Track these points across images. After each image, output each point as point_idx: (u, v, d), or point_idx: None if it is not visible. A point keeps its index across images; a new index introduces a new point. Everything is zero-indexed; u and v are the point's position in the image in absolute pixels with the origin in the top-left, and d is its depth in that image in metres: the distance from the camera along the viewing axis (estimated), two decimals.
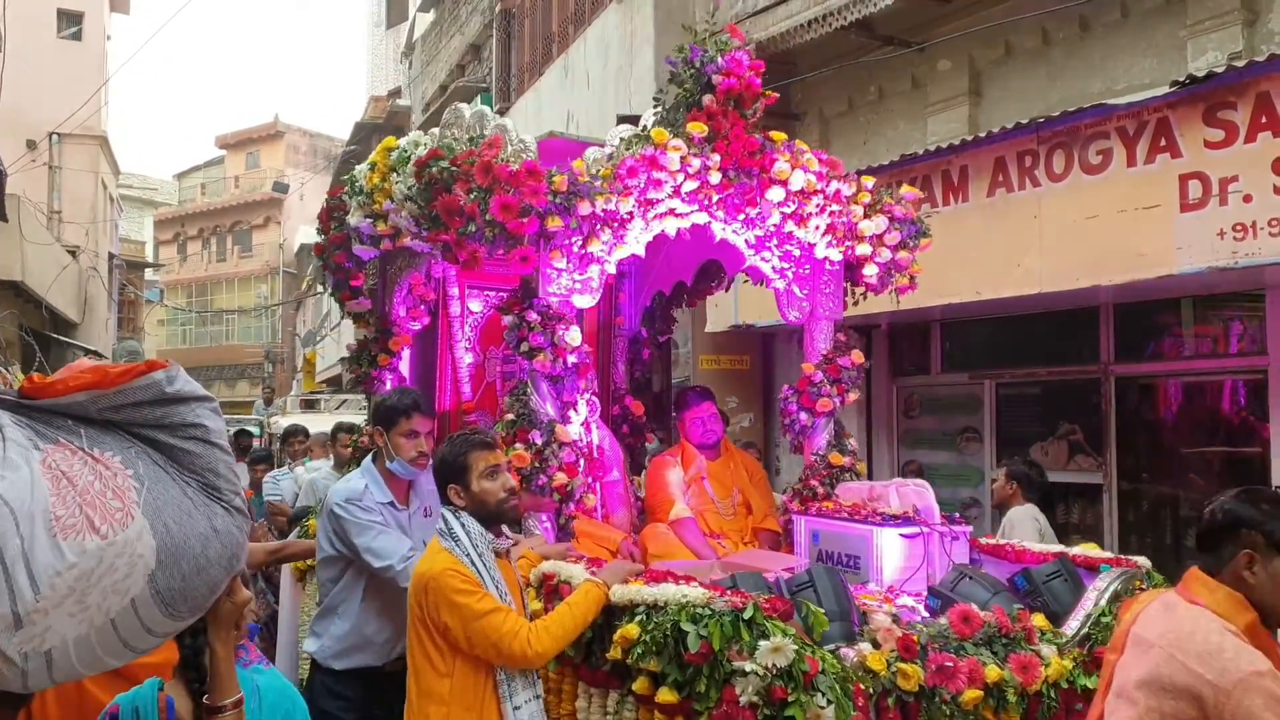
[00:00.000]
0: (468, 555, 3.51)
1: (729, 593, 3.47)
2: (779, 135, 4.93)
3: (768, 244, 5.20)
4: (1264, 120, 6.20)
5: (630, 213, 4.60)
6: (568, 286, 4.70)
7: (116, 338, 30.55)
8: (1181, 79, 6.58)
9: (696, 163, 4.64)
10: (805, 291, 5.34)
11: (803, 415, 5.31)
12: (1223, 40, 7.40)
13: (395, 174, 4.97)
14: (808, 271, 5.34)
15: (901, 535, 4.65)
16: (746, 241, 5.14)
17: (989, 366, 9.63)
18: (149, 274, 42.56)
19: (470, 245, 4.50)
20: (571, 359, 4.64)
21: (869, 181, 5.18)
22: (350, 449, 9.79)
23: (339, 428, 9.77)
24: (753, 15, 10.51)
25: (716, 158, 4.69)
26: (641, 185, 4.56)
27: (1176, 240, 6.65)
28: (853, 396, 5.32)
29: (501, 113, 16.52)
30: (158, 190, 54.54)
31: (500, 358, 6.41)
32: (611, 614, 3.68)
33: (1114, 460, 8.55)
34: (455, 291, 6.20)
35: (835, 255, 5.18)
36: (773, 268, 5.24)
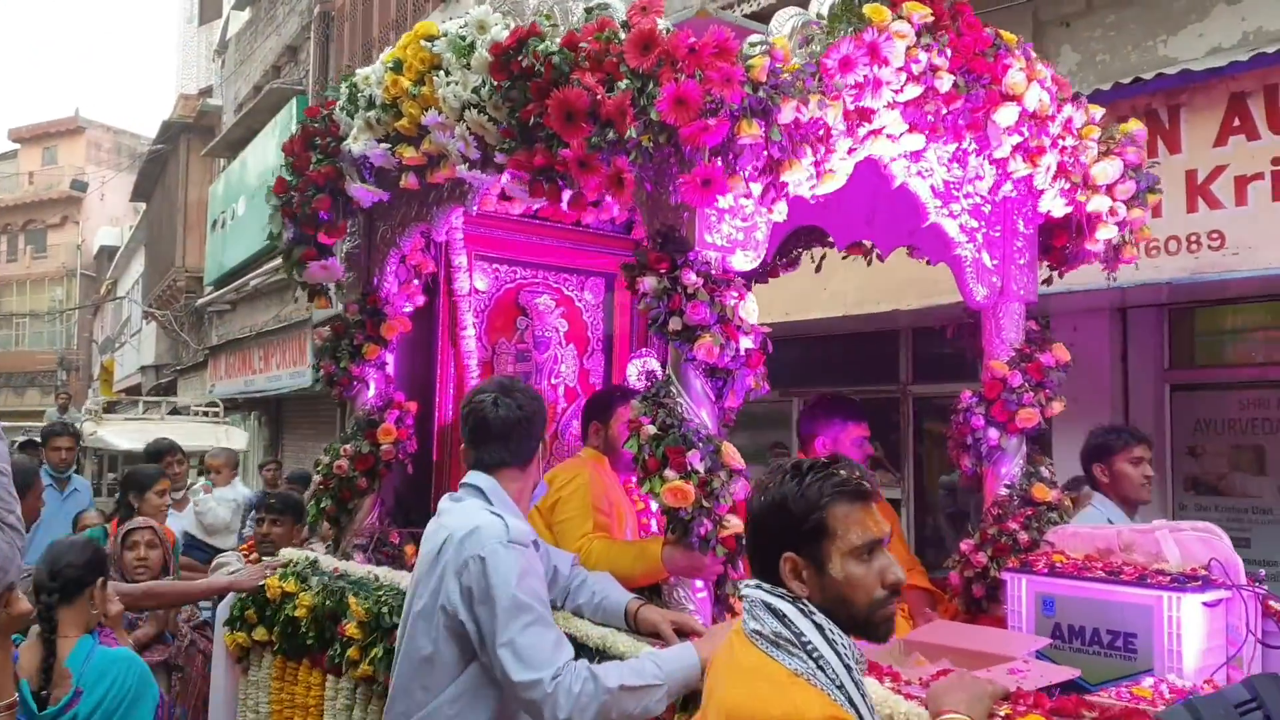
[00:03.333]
0: (839, 687, 1.88)
1: None
2: (1008, 35, 3.41)
3: (957, 193, 3.67)
4: None
5: (830, 127, 3.00)
6: (730, 237, 3.07)
7: None
8: None
9: (923, 58, 3.08)
10: (996, 262, 3.83)
11: (992, 432, 3.78)
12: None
13: (443, 73, 3.26)
14: (999, 235, 3.83)
15: (1205, 604, 3.19)
16: (933, 188, 3.59)
17: (797, 384, 9.59)
18: None
19: (609, 165, 2.82)
20: (746, 343, 2.99)
21: (1097, 112, 3.71)
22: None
23: (158, 450, 7.51)
24: None
25: (947, 55, 3.14)
26: (857, 84, 2.97)
27: None
28: (1056, 407, 3.82)
29: None
30: None
31: (513, 352, 4.69)
32: None
33: (911, 475, 8.80)
34: (462, 262, 4.44)
35: (1060, 208, 3.68)
36: (961, 226, 3.69)
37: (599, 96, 2.79)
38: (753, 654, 1.97)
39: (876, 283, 7.00)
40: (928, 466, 8.81)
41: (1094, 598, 3.31)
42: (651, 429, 2.95)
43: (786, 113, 2.79)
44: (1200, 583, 3.18)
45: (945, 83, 3.12)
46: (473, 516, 2.76)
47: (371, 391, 4.11)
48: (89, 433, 14.57)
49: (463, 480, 2.96)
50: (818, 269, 4.79)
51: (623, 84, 2.75)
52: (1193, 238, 5.80)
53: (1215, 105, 5.81)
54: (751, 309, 2.97)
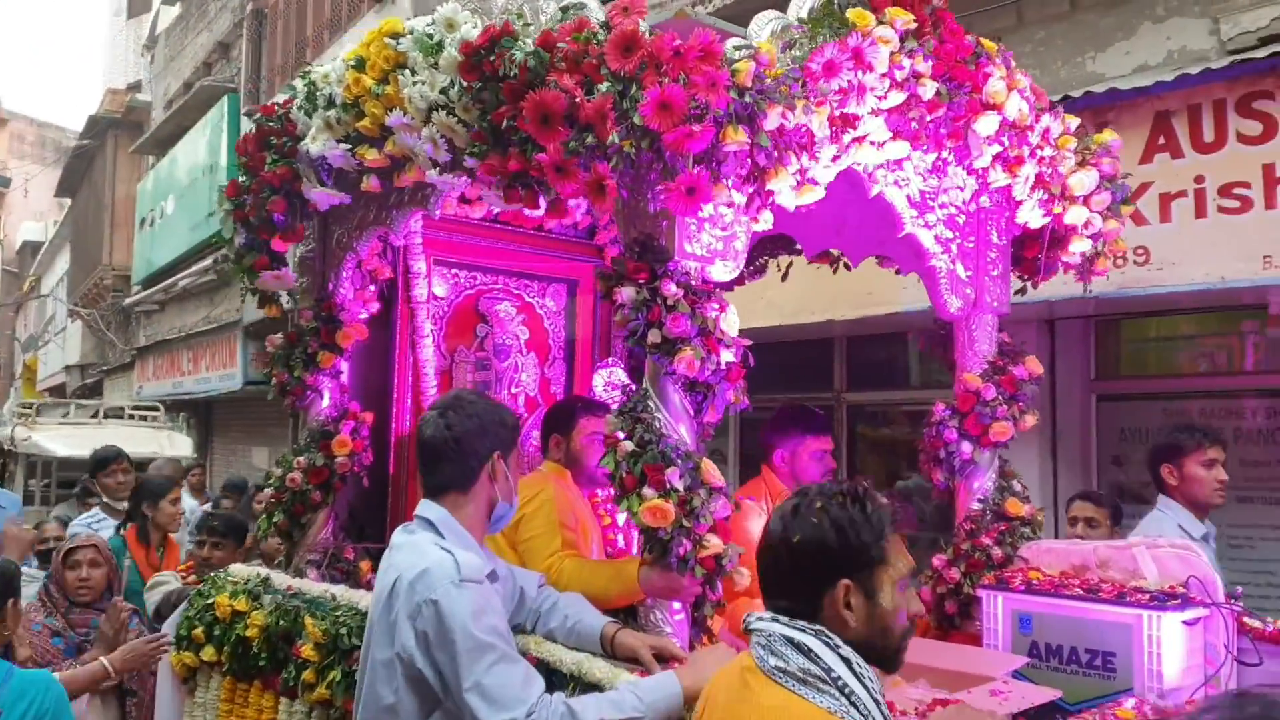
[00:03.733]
0: None
1: None
2: (989, 44, 3.36)
3: (933, 203, 3.61)
4: None
5: (814, 134, 2.92)
6: (709, 247, 2.98)
7: None
8: None
9: (906, 65, 3.02)
10: (969, 273, 3.78)
11: (965, 446, 3.73)
12: None
13: (408, 72, 3.14)
14: (973, 245, 3.78)
15: (1184, 623, 3.16)
16: (909, 198, 3.53)
17: None
18: None
19: (587, 170, 2.71)
20: (727, 356, 2.91)
21: (1073, 122, 3.67)
22: None
23: (104, 457, 7.06)
24: None
25: (930, 62, 3.08)
26: (842, 90, 2.89)
27: (903, 280, 6.25)
28: (1030, 420, 3.78)
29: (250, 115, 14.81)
30: None
31: (473, 360, 4.56)
32: None
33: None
34: (420, 267, 4.30)
35: (1038, 219, 3.64)
36: (936, 237, 3.64)
37: (577, 99, 2.68)
38: (777, 693, 1.86)
39: (812, 293, 7.06)
40: (861, 472, 8.94)
41: (1072, 616, 3.27)
42: (629, 445, 2.84)
43: (772, 119, 2.69)
44: (1180, 601, 3.15)
45: (928, 90, 3.06)
46: (422, 555, 2.58)
47: (326, 401, 3.94)
48: (21, 438, 13.96)
49: (416, 510, 2.81)
50: (784, 277, 4.71)
51: (603, 87, 2.64)
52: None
53: (1141, 123, 5.89)
54: (733, 321, 2.89)
